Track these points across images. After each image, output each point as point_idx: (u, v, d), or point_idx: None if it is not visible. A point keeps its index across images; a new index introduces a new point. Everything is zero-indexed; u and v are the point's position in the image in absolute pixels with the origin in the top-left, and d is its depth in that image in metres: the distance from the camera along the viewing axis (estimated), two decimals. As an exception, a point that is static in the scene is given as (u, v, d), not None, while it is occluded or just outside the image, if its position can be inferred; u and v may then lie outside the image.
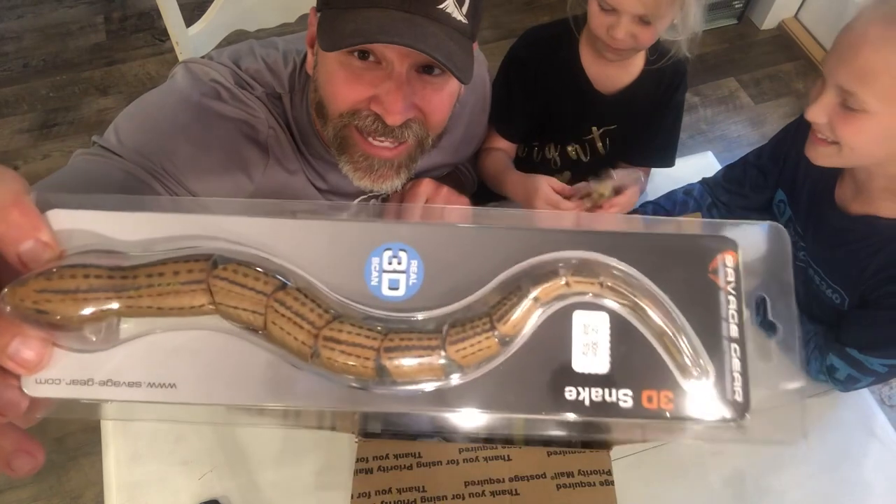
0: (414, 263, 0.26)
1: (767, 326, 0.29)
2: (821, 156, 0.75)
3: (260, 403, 0.25)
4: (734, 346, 0.26)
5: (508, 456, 0.72)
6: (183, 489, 0.78)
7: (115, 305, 0.23)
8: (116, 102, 2.02)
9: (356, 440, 0.73)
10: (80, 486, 1.44)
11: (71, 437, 1.48)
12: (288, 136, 0.77)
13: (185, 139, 0.68)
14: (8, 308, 0.22)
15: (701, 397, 0.25)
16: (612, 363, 0.25)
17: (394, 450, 0.72)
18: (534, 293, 0.25)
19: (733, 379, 0.26)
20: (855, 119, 0.68)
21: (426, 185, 0.86)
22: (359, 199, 0.90)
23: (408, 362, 0.24)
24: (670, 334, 0.25)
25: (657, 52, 0.97)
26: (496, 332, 0.25)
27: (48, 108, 2.05)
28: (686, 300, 0.26)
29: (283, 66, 0.77)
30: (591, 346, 0.25)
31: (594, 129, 1.05)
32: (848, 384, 0.84)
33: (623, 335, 0.26)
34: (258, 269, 0.24)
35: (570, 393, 0.25)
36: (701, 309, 0.26)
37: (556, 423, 0.27)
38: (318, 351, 0.24)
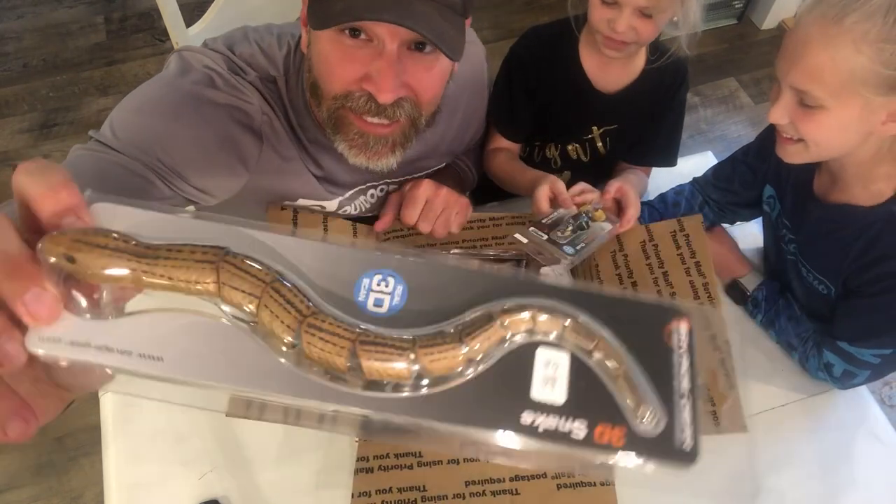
0: (399, 288, 0.29)
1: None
2: (790, 154, 0.78)
3: (236, 389, 0.27)
4: (685, 400, 0.28)
5: (509, 456, 0.72)
6: (183, 489, 0.78)
7: (133, 267, 0.26)
8: (116, 102, 1.99)
9: (356, 439, 0.73)
10: (80, 486, 1.44)
11: (71, 437, 1.48)
12: (283, 121, 0.77)
13: (178, 128, 0.68)
14: (44, 252, 0.24)
15: (652, 441, 0.27)
16: (570, 398, 0.27)
17: (394, 449, 0.72)
18: (502, 321, 0.28)
19: (682, 430, 0.27)
20: (814, 115, 0.71)
21: (426, 187, 0.86)
22: (356, 188, 0.89)
23: (379, 360, 0.26)
24: (626, 378, 0.27)
25: (657, 51, 0.97)
26: (464, 348, 0.27)
27: (48, 108, 2.06)
28: (642, 355, 0.28)
29: (278, 49, 0.77)
30: (550, 381, 0.27)
31: (594, 128, 1.05)
32: (845, 380, 0.85)
33: (582, 375, 0.28)
34: (264, 263, 0.27)
35: (525, 418, 0.27)
36: (655, 365, 0.28)
37: (508, 452, 0.28)
38: (299, 336, 0.26)
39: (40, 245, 0.24)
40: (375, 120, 0.68)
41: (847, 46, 0.65)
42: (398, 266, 0.29)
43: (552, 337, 0.28)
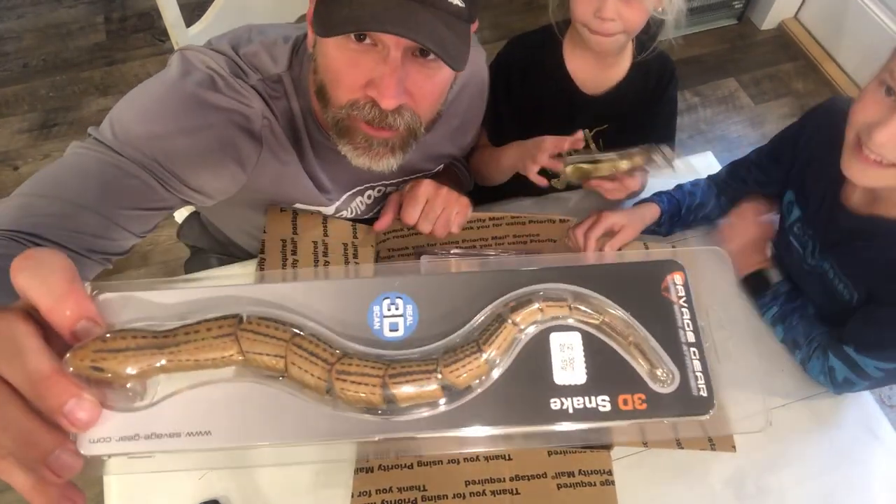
0: (409, 307, 0.30)
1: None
2: (869, 177, 0.71)
3: (287, 443, 0.28)
4: (693, 349, 0.30)
5: (509, 455, 0.72)
6: (183, 489, 0.78)
7: (159, 361, 0.27)
8: (116, 102, 2.01)
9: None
10: (81, 486, 1.44)
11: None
12: (285, 122, 0.77)
13: (178, 131, 0.68)
14: (70, 369, 0.25)
15: (670, 397, 0.29)
16: (589, 375, 0.29)
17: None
18: (513, 319, 0.29)
19: (696, 378, 0.29)
20: None
21: (426, 186, 0.86)
22: (354, 189, 0.89)
23: (410, 387, 0.27)
24: (635, 345, 0.29)
25: (643, 48, 0.98)
26: (483, 355, 0.28)
27: (48, 108, 2.05)
28: (645, 316, 0.30)
29: (283, 43, 0.77)
30: (568, 362, 0.29)
31: (586, 132, 1.05)
32: (844, 387, 0.85)
33: (595, 350, 0.29)
34: (278, 321, 0.28)
35: (554, 404, 0.28)
36: (659, 322, 0.30)
37: (548, 434, 0.30)
38: (332, 384, 0.27)
39: (66, 362, 0.25)
40: (378, 129, 0.69)
41: None
42: (402, 286, 0.30)
43: (561, 320, 0.30)
